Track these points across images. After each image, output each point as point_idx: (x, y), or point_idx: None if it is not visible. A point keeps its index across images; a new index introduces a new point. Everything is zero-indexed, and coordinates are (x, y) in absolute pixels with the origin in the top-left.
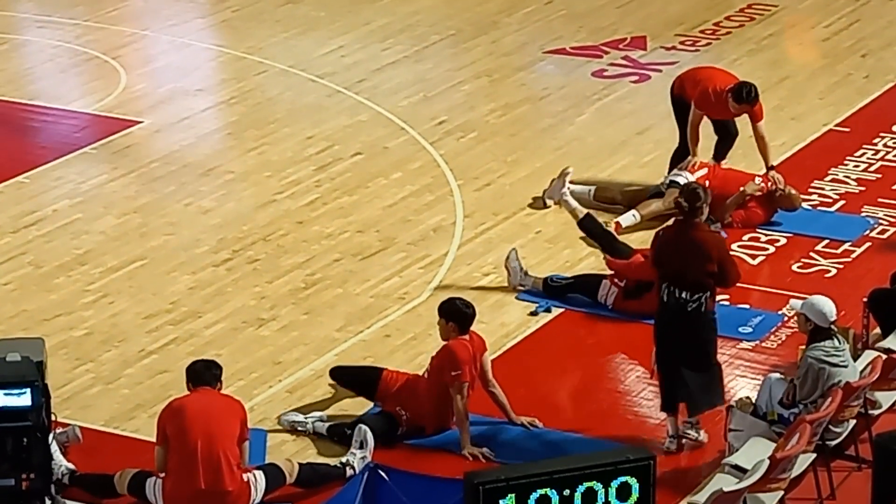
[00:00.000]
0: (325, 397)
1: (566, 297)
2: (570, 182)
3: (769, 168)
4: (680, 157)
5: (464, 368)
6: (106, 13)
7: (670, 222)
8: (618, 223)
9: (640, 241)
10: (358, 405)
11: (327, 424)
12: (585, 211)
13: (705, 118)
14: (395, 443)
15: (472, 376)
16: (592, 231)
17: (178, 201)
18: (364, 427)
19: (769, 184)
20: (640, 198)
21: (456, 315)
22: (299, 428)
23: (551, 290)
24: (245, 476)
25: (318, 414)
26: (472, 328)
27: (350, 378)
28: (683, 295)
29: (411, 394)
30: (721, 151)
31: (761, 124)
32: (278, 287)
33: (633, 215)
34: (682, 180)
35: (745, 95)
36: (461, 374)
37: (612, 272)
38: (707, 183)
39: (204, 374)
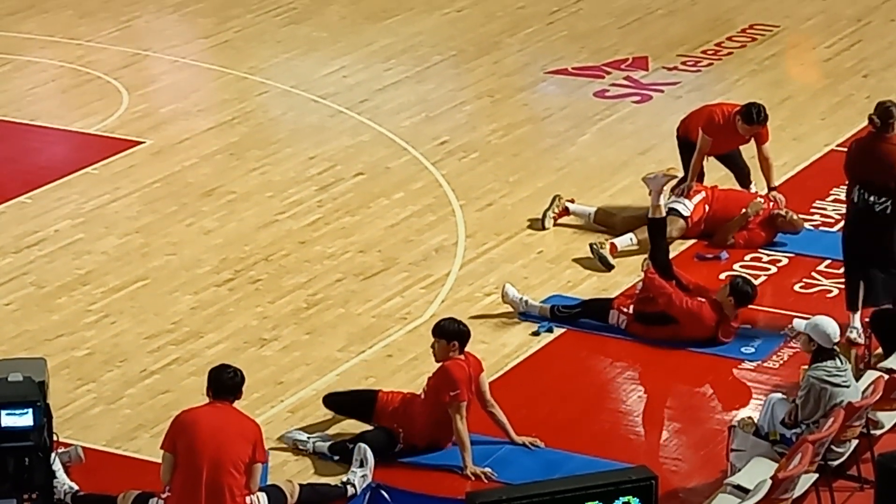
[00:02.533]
0: (326, 417)
1: (576, 323)
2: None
3: (771, 188)
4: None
5: (461, 388)
6: (108, 34)
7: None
8: (613, 244)
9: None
10: (360, 424)
11: (328, 443)
12: (664, 214)
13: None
14: (393, 459)
15: (469, 396)
16: (657, 234)
17: (180, 221)
18: (364, 446)
19: (771, 204)
20: (640, 224)
21: (457, 334)
22: (300, 447)
23: (559, 319)
24: (248, 499)
25: (320, 434)
26: (473, 348)
27: (345, 403)
28: (871, 198)
29: (407, 413)
30: (742, 185)
31: (767, 146)
32: (280, 307)
33: (631, 239)
34: (681, 208)
35: (756, 116)
36: (459, 393)
37: (618, 296)
38: (706, 207)
39: (227, 385)
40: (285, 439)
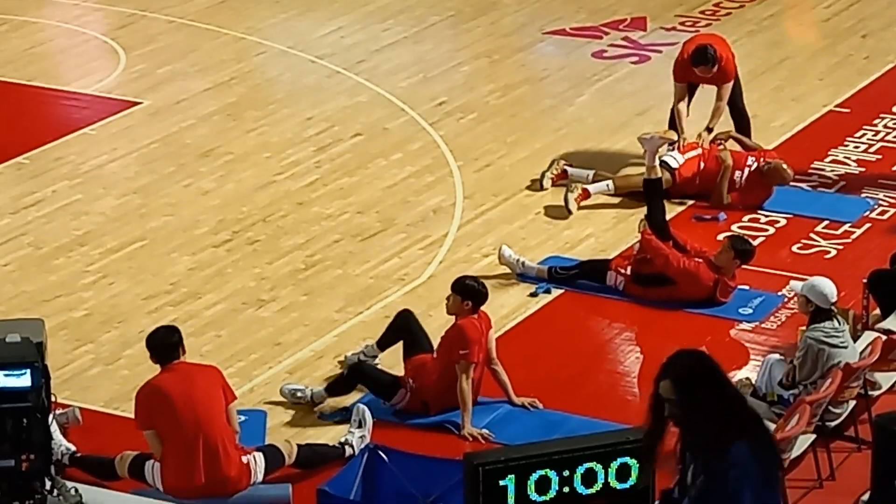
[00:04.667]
0: (325, 378)
1: (574, 284)
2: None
3: (707, 129)
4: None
5: (472, 348)
6: None
7: None
8: (586, 190)
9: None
10: (358, 390)
11: (324, 386)
12: (659, 175)
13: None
14: (390, 410)
15: (480, 357)
16: (653, 195)
17: (178, 182)
18: (362, 406)
19: (760, 160)
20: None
21: (474, 294)
22: (298, 395)
23: (557, 280)
24: (244, 458)
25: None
26: None
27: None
28: None
29: (422, 368)
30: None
31: (723, 87)
32: (278, 268)
33: (607, 185)
34: (671, 160)
35: (701, 57)
36: (469, 353)
37: (616, 258)
38: (701, 164)
39: (170, 346)
40: (283, 391)
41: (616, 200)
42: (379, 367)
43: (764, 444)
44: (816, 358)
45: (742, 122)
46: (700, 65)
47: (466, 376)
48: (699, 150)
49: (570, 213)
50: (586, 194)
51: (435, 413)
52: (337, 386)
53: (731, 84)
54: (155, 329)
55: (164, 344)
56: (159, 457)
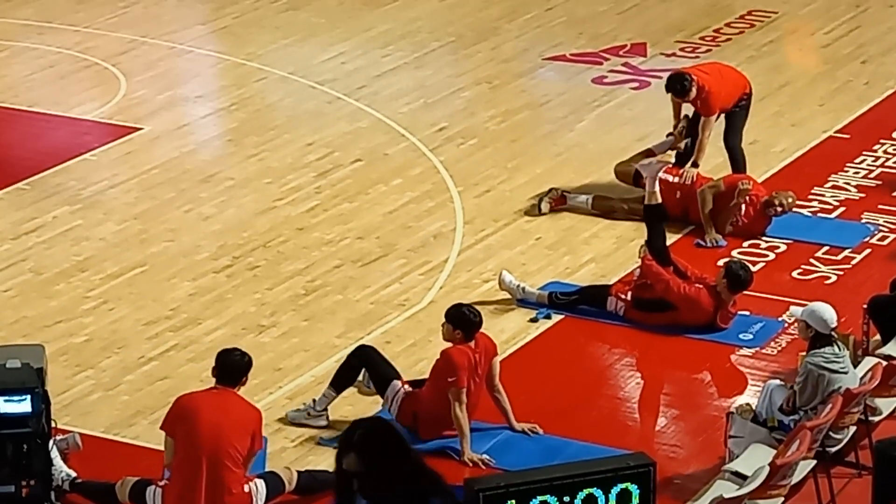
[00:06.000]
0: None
1: (574, 309)
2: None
3: (693, 164)
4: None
5: (460, 374)
6: (106, 20)
7: None
8: (564, 197)
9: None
10: (359, 411)
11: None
12: (660, 201)
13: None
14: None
15: (471, 383)
16: (655, 221)
17: (178, 208)
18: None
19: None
20: (639, 208)
21: (463, 322)
22: (301, 408)
23: (557, 306)
24: (246, 486)
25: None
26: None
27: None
28: None
29: (416, 395)
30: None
31: (703, 120)
32: (278, 293)
33: (587, 200)
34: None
35: (669, 84)
36: (457, 380)
37: (616, 283)
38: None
39: (232, 367)
40: (289, 417)
41: (617, 226)
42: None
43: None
44: (817, 383)
45: (732, 161)
46: (668, 91)
47: (459, 403)
48: (676, 179)
49: (540, 212)
50: (563, 201)
51: (424, 436)
52: (341, 376)
53: (709, 119)
54: (234, 349)
55: (230, 366)
56: (169, 465)
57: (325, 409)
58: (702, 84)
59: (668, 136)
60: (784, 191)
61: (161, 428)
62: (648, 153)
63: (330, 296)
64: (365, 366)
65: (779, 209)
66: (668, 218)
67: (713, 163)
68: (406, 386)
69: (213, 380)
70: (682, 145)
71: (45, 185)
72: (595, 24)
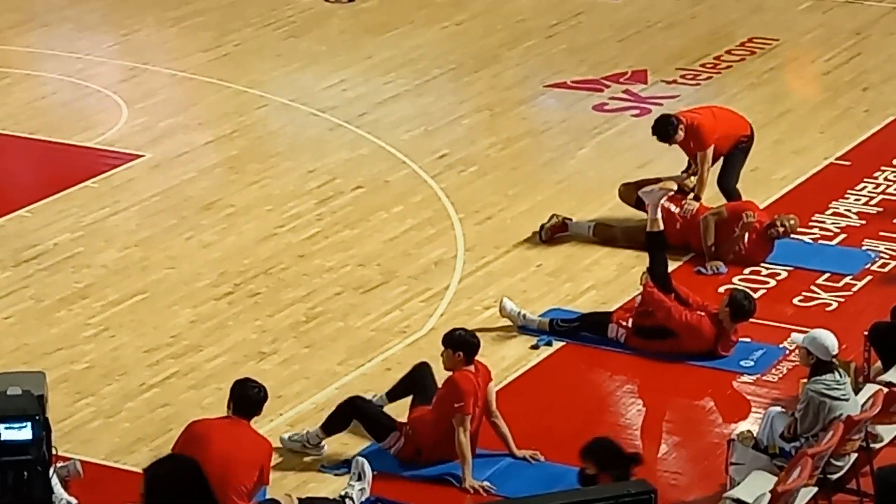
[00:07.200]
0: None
1: (575, 336)
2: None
3: (695, 197)
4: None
5: (467, 400)
6: (108, 47)
7: None
8: (566, 224)
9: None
10: (358, 442)
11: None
12: (661, 228)
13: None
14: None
15: (476, 409)
16: (656, 248)
17: (179, 235)
18: (361, 459)
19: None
20: (641, 237)
21: (464, 345)
22: (295, 437)
23: (558, 333)
24: None
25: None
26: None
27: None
28: None
29: (420, 421)
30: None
31: (699, 155)
32: (279, 321)
33: (588, 227)
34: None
35: (653, 130)
36: (464, 405)
37: (617, 310)
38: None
39: (249, 401)
40: (282, 440)
41: (618, 253)
42: (375, 403)
43: None
44: (818, 410)
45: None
46: (653, 135)
47: (464, 429)
48: (678, 210)
49: (542, 239)
50: (564, 228)
51: (427, 459)
52: (332, 423)
53: (705, 153)
54: (250, 381)
55: (246, 400)
56: None
57: (320, 443)
58: (689, 122)
59: (682, 172)
60: (786, 214)
61: (172, 450)
62: (656, 181)
63: (331, 323)
64: (357, 419)
65: (780, 230)
66: (668, 245)
67: (713, 190)
68: (406, 428)
69: (214, 406)
70: (689, 182)
71: (46, 212)
72: (596, 52)
